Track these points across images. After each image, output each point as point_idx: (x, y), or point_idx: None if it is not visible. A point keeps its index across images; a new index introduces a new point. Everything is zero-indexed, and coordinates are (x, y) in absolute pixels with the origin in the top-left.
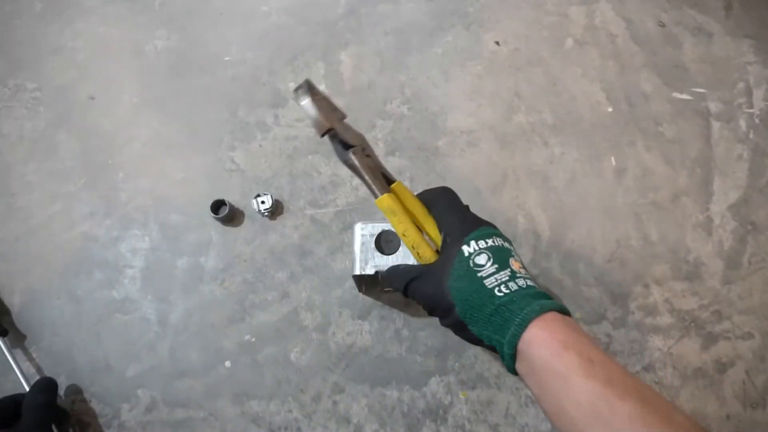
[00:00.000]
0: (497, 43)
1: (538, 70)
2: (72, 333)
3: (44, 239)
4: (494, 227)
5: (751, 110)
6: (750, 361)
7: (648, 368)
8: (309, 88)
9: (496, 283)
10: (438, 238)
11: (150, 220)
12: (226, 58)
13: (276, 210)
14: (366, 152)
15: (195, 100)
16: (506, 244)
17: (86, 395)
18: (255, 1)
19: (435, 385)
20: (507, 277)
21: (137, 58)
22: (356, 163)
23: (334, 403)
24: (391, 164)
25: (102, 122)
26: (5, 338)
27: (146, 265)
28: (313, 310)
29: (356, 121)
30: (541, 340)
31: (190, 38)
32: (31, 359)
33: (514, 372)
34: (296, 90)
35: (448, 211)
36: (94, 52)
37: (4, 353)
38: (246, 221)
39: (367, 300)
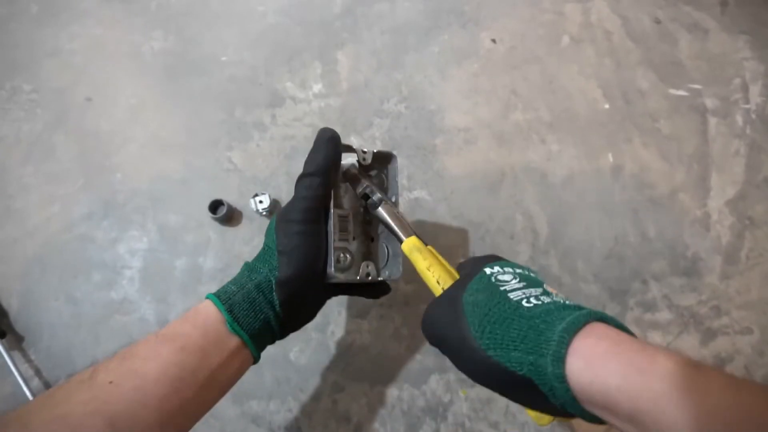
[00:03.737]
0: (493, 41)
1: (535, 67)
2: (71, 334)
3: (42, 241)
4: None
5: (748, 106)
6: (749, 356)
7: None
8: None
9: (523, 296)
10: (444, 276)
11: (148, 221)
12: (223, 59)
13: (274, 209)
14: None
15: (192, 100)
16: (538, 277)
17: None
18: (251, 1)
19: (434, 383)
20: (538, 292)
21: (134, 60)
22: (385, 212)
23: (334, 402)
24: None
25: (99, 124)
26: (3, 340)
27: (145, 266)
28: None
29: (354, 120)
30: (597, 351)
31: (187, 39)
32: (29, 361)
33: (571, 410)
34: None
35: (469, 259)
36: (91, 53)
37: (2, 355)
38: (244, 221)
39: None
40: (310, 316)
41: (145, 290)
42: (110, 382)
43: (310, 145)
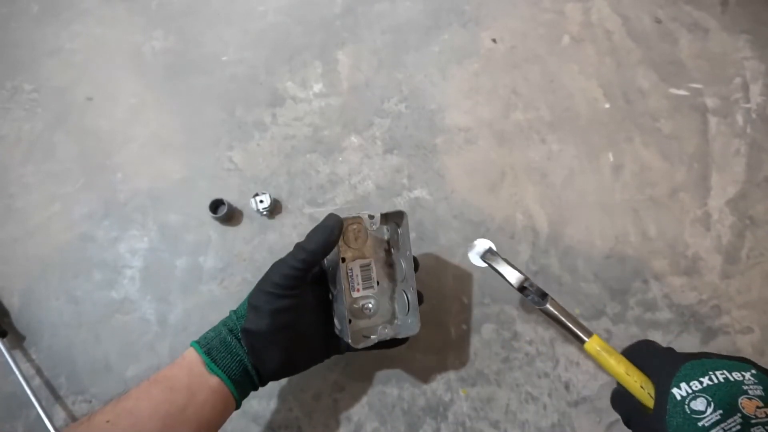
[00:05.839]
0: (494, 40)
1: (535, 67)
2: (71, 334)
3: (43, 240)
4: (713, 356)
5: (748, 105)
6: (750, 356)
7: None
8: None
9: None
10: (646, 381)
11: (149, 221)
12: (224, 58)
13: (274, 209)
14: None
15: (193, 100)
16: (734, 375)
17: (86, 396)
18: (252, 1)
19: (435, 382)
20: (738, 426)
21: (135, 59)
22: (555, 311)
23: (335, 401)
24: (389, 162)
25: (100, 123)
26: (4, 339)
27: (145, 266)
28: None
29: (354, 119)
30: None
31: (188, 38)
32: (30, 360)
33: None
34: (484, 255)
35: (648, 353)
36: (92, 53)
37: (3, 354)
38: (245, 220)
39: None
40: (296, 368)
41: (146, 289)
42: (107, 422)
43: (309, 145)
